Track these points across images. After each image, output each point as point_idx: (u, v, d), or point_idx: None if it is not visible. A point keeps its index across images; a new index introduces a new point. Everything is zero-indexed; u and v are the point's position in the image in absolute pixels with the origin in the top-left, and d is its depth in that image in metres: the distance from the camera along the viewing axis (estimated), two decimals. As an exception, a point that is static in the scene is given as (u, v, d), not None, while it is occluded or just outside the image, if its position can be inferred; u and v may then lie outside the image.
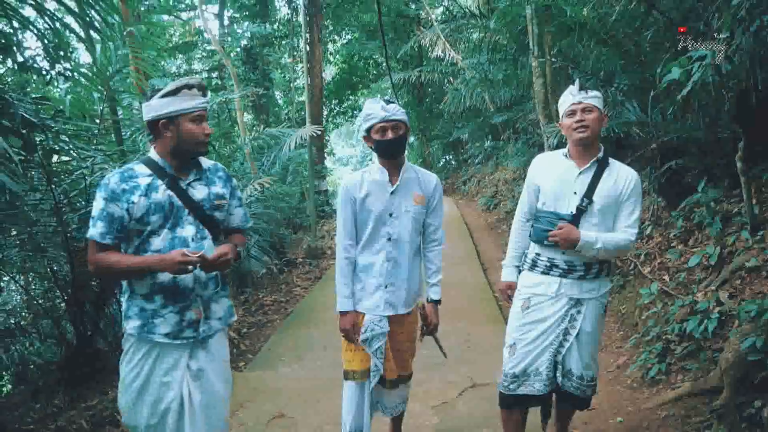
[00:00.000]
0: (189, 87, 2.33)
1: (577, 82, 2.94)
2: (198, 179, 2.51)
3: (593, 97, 2.86)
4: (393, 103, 2.86)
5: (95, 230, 2.31)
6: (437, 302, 3.14)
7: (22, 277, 6.47)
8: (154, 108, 2.32)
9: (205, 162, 2.58)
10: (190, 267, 2.27)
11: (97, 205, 2.32)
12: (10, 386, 6.57)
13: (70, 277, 5.13)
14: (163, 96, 2.31)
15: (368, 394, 3.00)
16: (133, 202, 2.31)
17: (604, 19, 6.38)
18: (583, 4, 6.67)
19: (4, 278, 6.00)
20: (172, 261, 2.24)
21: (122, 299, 2.48)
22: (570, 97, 2.90)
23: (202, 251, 2.29)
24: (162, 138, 2.38)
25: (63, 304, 5.70)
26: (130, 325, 2.40)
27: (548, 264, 2.96)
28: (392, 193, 2.93)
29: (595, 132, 2.86)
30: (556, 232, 2.83)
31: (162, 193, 2.36)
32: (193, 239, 2.41)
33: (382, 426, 3.51)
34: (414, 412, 3.96)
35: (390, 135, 2.83)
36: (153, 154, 2.43)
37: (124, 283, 2.45)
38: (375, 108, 2.84)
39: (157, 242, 2.36)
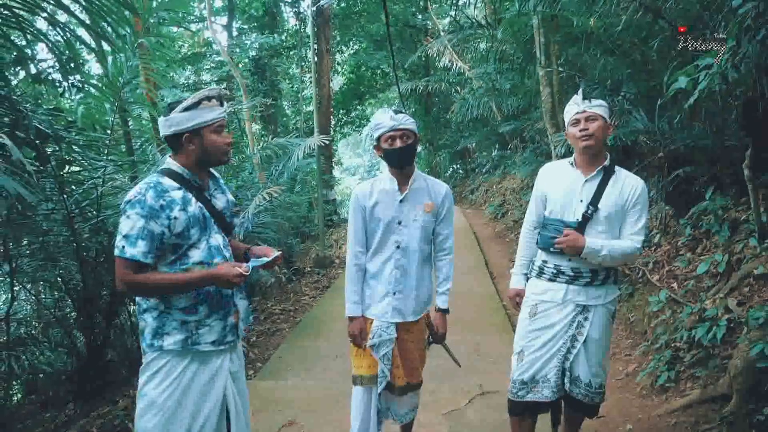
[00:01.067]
0: (209, 99, 2.34)
1: (580, 91, 2.96)
2: (216, 188, 2.55)
3: (597, 106, 2.88)
4: (402, 112, 2.90)
5: (136, 250, 2.21)
6: (445, 311, 3.17)
7: (32, 287, 6.53)
8: (175, 122, 2.31)
9: (215, 172, 2.62)
10: (243, 282, 2.33)
11: (134, 223, 2.22)
12: (19, 396, 6.62)
13: (81, 287, 5.18)
14: (185, 110, 2.30)
15: (375, 400, 3.03)
16: (174, 218, 2.27)
17: (610, 28, 6.42)
18: (590, 14, 6.69)
19: (15, 287, 6.06)
20: (227, 277, 2.25)
21: (146, 317, 2.37)
22: (574, 107, 2.93)
23: (252, 265, 2.37)
24: (186, 151, 2.37)
25: (74, 314, 5.76)
26: (170, 341, 2.32)
27: (555, 271, 2.98)
28: (401, 201, 2.96)
29: (599, 140, 2.88)
30: (561, 239, 2.86)
31: (194, 205, 2.36)
32: (223, 247, 2.45)
33: (393, 434, 3.53)
34: (424, 420, 3.96)
35: (398, 144, 2.87)
36: (173, 165, 2.40)
37: (149, 300, 2.36)
38: (384, 118, 2.88)
39: (197, 254, 2.35)
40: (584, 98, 2.90)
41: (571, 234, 2.84)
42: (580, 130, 2.88)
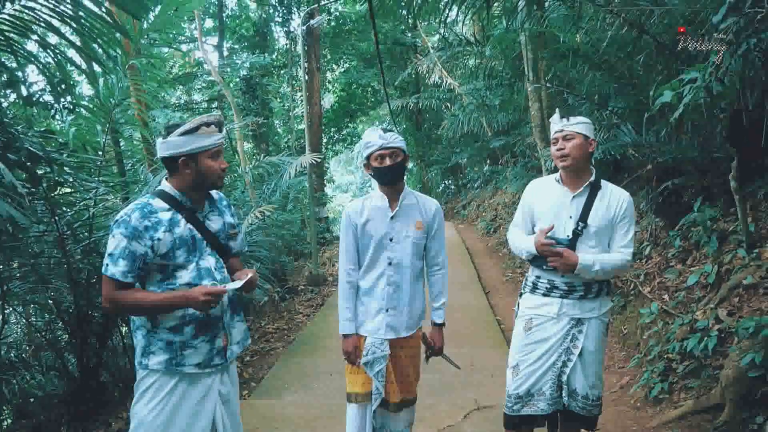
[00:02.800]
0: (207, 124, 2.35)
1: (557, 111, 3.01)
2: (212, 210, 2.56)
3: (575, 124, 2.91)
4: (391, 131, 2.94)
5: (116, 269, 2.25)
6: (441, 325, 3.19)
7: (23, 310, 6.48)
8: (173, 145, 2.33)
9: (213, 192, 2.62)
10: (214, 304, 2.29)
11: (117, 242, 2.26)
12: (10, 421, 6.54)
13: (74, 309, 5.16)
14: (183, 134, 2.31)
15: (370, 417, 3.02)
16: (158, 239, 2.29)
17: (596, 44, 6.50)
18: (576, 31, 6.79)
19: (6, 310, 6.01)
20: (196, 300, 2.24)
21: (137, 335, 2.41)
22: (553, 126, 2.98)
23: (225, 286, 2.35)
24: (181, 174, 2.39)
25: (66, 336, 5.71)
26: (155, 361, 2.34)
27: (549, 286, 3.00)
28: (392, 218, 2.99)
29: (577, 159, 2.91)
30: (555, 259, 2.88)
31: (183, 227, 2.37)
32: (215, 269, 2.44)
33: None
34: (419, 436, 3.97)
35: (388, 162, 2.90)
36: (167, 187, 2.42)
37: (140, 318, 2.39)
38: (373, 136, 2.92)
39: (185, 275, 2.36)
40: (561, 117, 2.95)
41: (564, 252, 2.86)
42: (558, 150, 2.93)
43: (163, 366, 2.34)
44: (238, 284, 2.40)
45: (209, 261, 2.44)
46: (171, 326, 2.35)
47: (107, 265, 2.27)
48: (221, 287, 2.33)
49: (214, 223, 2.53)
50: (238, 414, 2.65)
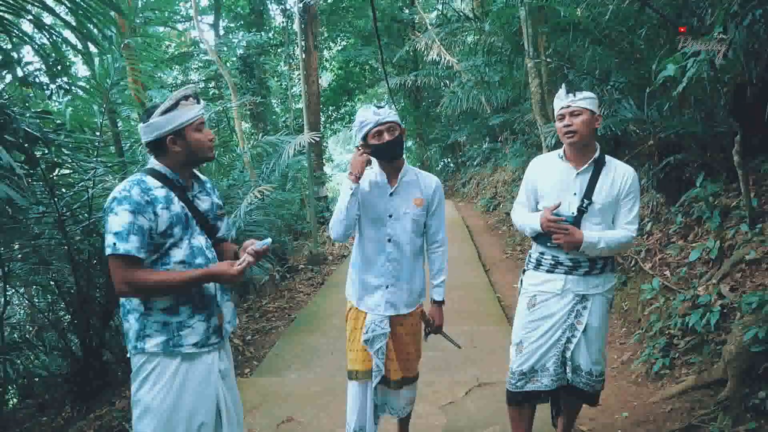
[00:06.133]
0: (186, 98, 2.31)
1: (564, 85, 2.95)
2: (201, 191, 2.54)
3: (582, 99, 2.85)
4: (382, 107, 2.89)
5: (129, 245, 2.17)
6: (441, 303, 3.19)
7: (25, 291, 6.49)
8: (157, 126, 2.29)
9: (199, 174, 2.60)
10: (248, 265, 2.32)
11: (122, 219, 2.19)
12: (15, 400, 6.59)
13: (75, 290, 5.16)
14: (164, 112, 2.27)
15: (371, 394, 3.03)
16: (158, 215, 2.26)
17: (597, 18, 6.42)
18: (577, 4, 6.70)
19: (8, 291, 6.02)
20: (226, 274, 2.30)
21: (129, 319, 2.34)
22: (559, 101, 2.93)
23: (265, 245, 2.38)
24: (170, 153, 2.35)
25: (68, 317, 5.74)
26: (152, 343, 2.29)
27: (553, 262, 2.98)
28: (391, 194, 2.96)
29: (584, 135, 2.86)
30: (560, 236, 2.85)
31: (177, 204, 2.34)
32: (206, 248, 2.43)
33: (390, 427, 3.54)
34: (422, 413, 3.99)
35: (387, 137, 2.85)
36: (157, 165, 2.38)
37: (132, 301, 2.33)
38: (367, 114, 2.87)
39: (179, 253, 2.33)
40: (568, 92, 2.89)
41: (569, 229, 2.84)
42: (565, 126, 2.88)
43: (161, 348, 2.30)
44: (268, 241, 2.41)
45: (200, 240, 2.42)
46: (165, 307, 2.31)
47: (115, 244, 2.18)
48: (255, 248, 2.36)
49: (204, 203, 2.51)
50: (236, 389, 2.65)
